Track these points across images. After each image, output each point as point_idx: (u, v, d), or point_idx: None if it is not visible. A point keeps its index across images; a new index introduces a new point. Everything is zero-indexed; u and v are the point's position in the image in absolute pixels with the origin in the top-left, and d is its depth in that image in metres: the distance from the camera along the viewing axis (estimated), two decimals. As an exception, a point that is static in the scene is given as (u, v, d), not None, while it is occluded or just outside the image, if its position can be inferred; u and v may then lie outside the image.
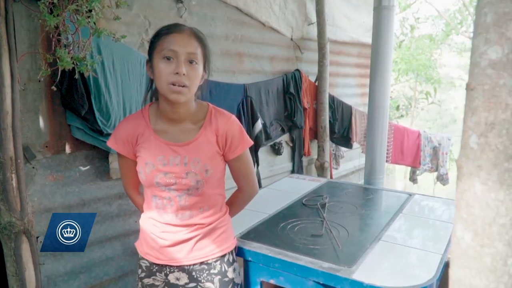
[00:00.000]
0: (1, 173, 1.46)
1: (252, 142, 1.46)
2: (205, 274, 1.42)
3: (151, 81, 1.38)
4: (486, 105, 0.53)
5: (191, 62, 1.26)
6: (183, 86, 1.24)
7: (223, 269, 1.44)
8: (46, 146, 1.84)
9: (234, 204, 1.58)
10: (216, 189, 1.43)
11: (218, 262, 1.44)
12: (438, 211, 2.17)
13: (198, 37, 1.31)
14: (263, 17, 2.97)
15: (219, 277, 1.42)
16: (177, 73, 1.23)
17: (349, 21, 4.06)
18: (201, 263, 1.42)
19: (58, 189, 1.91)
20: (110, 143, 1.41)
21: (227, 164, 1.47)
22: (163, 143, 1.34)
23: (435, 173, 4.71)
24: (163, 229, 1.40)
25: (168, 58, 1.24)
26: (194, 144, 1.34)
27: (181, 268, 1.42)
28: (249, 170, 1.50)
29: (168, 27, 1.29)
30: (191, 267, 1.41)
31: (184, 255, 1.40)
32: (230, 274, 1.45)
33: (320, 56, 3.45)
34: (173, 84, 1.23)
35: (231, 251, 1.49)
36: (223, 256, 1.45)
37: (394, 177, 10.71)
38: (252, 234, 1.80)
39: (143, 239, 1.47)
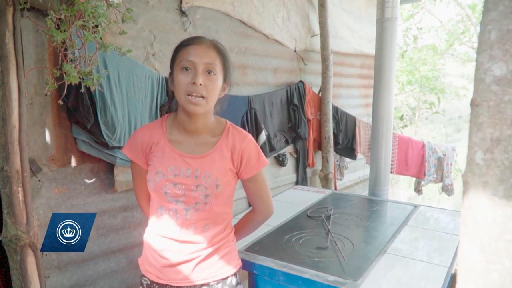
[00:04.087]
0: (7, 187, 1.47)
1: (268, 163, 1.42)
2: None
3: (172, 94, 1.38)
4: (492, 121, 0.54)
5: (209, 72, 1.26)
6: (201, 97, 1.24)
7: None
8: (52, 159, 1.85)
9: (248, 225, 1.54)
10: (224, 207, 1.39)
11: (220, 285, 1.39)
12: (443, 223, 2.16)
13: (217, 48, 1.31)
14: (267, 29, 2.99)
15: None
16: (194, 83, 1.23)
17: (352, 33, 4.08)
18: (202, 285, 1.38)
19: (64, 202, 1.91)
20: (125, 150, 1.42)
21: (242, 184, 1.45)
22: (177, 154, 1.33)
23: (440, 184, 4.69)
24: (164, 247, 1.37)
25: (187, 69, 1.25)
26: (208, 158, 1.33)
27: None
28: (264, 191, 1.46)
29: (188, 39, 1.30)
30: None
31: (184, 276, 1.36)
32: None
33: (323, 68, 3.47)
34: (191, 95, 1.23)
35: (235, 274, 1.45)
36: (225, 278, 1.41)
37: (399, 187, 10.66)
38: (257, 247, 1.79)
39: (145, 256, 1.45)
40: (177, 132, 1.36)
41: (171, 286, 1.38)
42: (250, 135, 1.40)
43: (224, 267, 1.40)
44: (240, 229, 1.54)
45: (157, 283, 1.40)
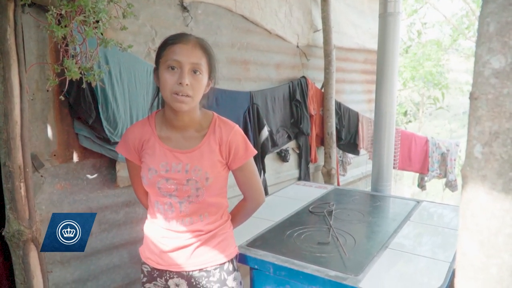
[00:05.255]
0: (10, 182, 1.48)
1: (256, 151, 1.46)
2: (204, 282, 1.42)
3: (157, 89, 1.40)
4: (490, 115, 0.53)
5: (195, 72, 1.28)
6: (187, 96, 1.26)
7: (222, 278, 1.43)
8: (54, 155, 1.86)
9: (240, 213, 1.57)
10: (217, 197, 1.43)
11: (217, 270, 1.43)
12: (446, 218, 2.15)
13: (203, 47, 1.32)
14: (269, 24, 2.98)
15: (218, 285, 1.43)
16: (180, 83, 1.25)
17: (355, 28, 4.06)
18: (200, 270, 1.42)
19: (66, 198, 1.92)
20: (119, 148, 1.47)
21: (231, 173, 1.48)
22: (167, 150, 1.36)
23: (444, 180, 4.67)
24: (163, 235, 1.42)
25: (173, 68, 1.26)
26: (196, 152, 1.36)
27: (180, 274, 1.43)
28: (254, 179, 1.49)
29: (174, 37, 1.31)
30: (190, 273, 1.42)
31: (183, 261, 1.41)
32: (230, 283, 1.45)
33: (326, 63, 3.45)
34: (177, 94, 1.25)
35: (232, 260, 1.49)
36: (223, 264, 1.45)
37: (402, 183, 10.64)
38: (258, 242, 1.80)
39: (146, 244, 1.50)
40: (166, 128, 1.39)
41: (170, 271, 1.43)
42: (237, 126, 1.43)
43: (221, 253, 1.44)
44: (232, 218, 1.57)
45: (157, 269, 1.45)
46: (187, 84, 1.25)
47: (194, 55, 1.27)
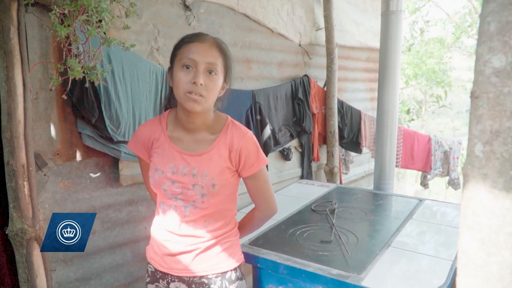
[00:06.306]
0: (13, 181, 1.49)
1: (267, 161, 1.40)
2: None
3: (170, 89, 1.36)
4: (491, 113, 0.53)
5: (210, 72, 1.24)
6: (200, 96, 1.23)
7: (223, 287, 1.39)
8: (58, 154, 1.87)
9: (250, 223, 1.52)
10: (224, 204, 1.38)
11: (219, 279, 1.38)
12: (449, 217, 2.15)
13: (220, 47, 1.29)
14: (271, 23, 2.98)
15: None
16: (194, 82, 1.21)
17: (357, 26, 4.06)
18: (201, 277, 1.38)
19: (69, 196, 1.93)
20: (130, 145, 1.45)
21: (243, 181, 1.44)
22: (176, 151, 1.33)
23: (447, 178, 4.66)
24: (166, 237, 1.39)
25: (187, 67, 1.23)
26: (205, 156, 1.32)
27: (181, 279, 1.39)
28: (266, 189, 1.44)
29: (190, 36, 1.28)
30: (191, 279, 1.39)
31: (183, 266, 1.37)
32: None
33: (328, 61, 3.45)
34: (190, 93, 1.22)
35: (236, 269, 1.43)
36: (225, 273, 1.39)
37: (405, 181, 10.62)
38: (261, 241, 1.80)
39: (151, 244, 1.48)
40: (177, 129, 1.36)
41: (172, 275, 1.40)
42: (250, 132, 1.37)
43: (224, 261, 1.40)
44: (242, 227, 1.53)
45: (160, 271, 1.42)
46: (201, 84, 1.21)
47: (210, 54, 1.24)
